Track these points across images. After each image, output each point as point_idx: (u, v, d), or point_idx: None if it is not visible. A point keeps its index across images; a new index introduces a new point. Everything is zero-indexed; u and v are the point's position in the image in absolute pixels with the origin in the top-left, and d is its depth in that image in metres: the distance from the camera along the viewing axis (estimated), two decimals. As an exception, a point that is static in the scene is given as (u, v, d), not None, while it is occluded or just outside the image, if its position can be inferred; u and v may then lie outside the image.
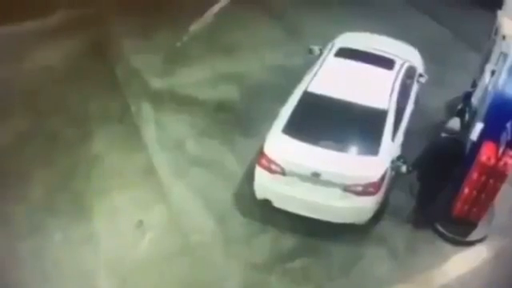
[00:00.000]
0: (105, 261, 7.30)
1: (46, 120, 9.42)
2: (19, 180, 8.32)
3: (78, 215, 7.83)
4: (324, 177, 7.22)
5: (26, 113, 9.58)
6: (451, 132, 7.40)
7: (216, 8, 12.62)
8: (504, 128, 7.06)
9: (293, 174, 7.38)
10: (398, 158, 7.60)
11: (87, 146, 8.95)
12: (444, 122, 7.58)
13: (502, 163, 6.96)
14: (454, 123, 7.47)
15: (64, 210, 7.85)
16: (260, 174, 7.62)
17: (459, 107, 9.12)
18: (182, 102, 10.09)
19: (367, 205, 7.42)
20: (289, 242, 7.69)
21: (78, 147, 8.94)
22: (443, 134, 7.45)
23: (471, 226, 7.84)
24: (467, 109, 8.84)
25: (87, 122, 9.43)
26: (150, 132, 9.36)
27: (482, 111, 7.65)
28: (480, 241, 7.86)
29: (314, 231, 7.73)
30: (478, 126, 7.27)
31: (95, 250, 7.43)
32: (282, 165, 7.38)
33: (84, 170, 8.53)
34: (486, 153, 7.05)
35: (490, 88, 7.81)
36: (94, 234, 7.61)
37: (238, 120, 9.56)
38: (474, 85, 9.11)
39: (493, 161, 7.00)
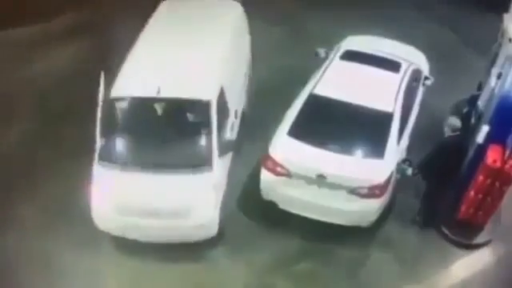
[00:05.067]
0: (111, 261, 7.33)
1: (54, 122, 9.43)
2: (27, 182, 8.37)
3: (85, 216, 7.85)
4: (329, 179, 7.23)
5: (33, 115, 9.62)
6: (453, 128, 7.44)
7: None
8: (510, 131, 7.05)
9: (298, 177, 7.39)
10: (404, 160, 7.60)
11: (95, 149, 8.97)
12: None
13: (508, 166, 6.95)
14: (454, 120, 7.56)
15: (72, 212, 7.89)
16: (265, 176, 7.64)
17: (465, 110, 9.12)
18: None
19: (372, 207, 7.42)
20: (294, 244, 7.71)
21: (86, 149, 8.95)
22: (446, 129, 7.49)
23: (477, 229, 7.82)
24: (473, 112, 8.84)
25: (95, 125, 9.45)
26: (155, 134, 9.37)
27: (488, 114, 7.64)
28: (485, 244, 7.85)
29: (319, 233, 7.72)
30: (484, 129, 7.26)
31: (101, 251, 7.48)
32: (288, 167, 7.39)
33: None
34: (492, 156, 7.04)
35: (496, 91, 7.80)
36: (100, 234, 7.63)
37: (244, 122, 9.56)
38: (480, 88, 9.10)
39: (499, 164, 6.99)
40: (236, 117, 8.37)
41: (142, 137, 7.43)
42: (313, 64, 9.07)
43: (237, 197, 8.27)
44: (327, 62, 8.77)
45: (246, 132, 8.81)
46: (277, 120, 7.99)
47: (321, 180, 7.26)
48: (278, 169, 7.45)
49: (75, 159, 8.75)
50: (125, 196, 7.04)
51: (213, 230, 7.26)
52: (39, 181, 8.41)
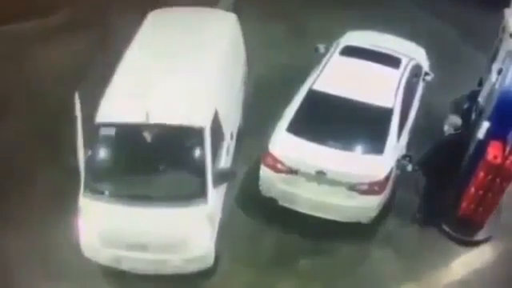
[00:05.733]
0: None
1: (51, 119, 9.36)
2: (25, 180, 8.32)
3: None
4: (329, 175, 7.19)
5: (31, 113, 9.55)
6: (455, 127, 7.40)
7: (220, 8, 12.54)
8: (511, 127, 7.01)
9: (298, 173, 7.35)
10: (404, 156, 7.56)
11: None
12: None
13: (508, 162, 6.92)
14: (455, 118, 7.52)
15: (70, 211, 7.82)
16: (265, 172, 7.60)
17: (465, 106, 9.08)
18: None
19: (372, 203, 7.38)
20: (294, 240, 7.67)
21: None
22: (446, 127, 7.45)
23: (477, 226, 7.79)
24: (473, 108, 8.80)
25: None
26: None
27: (489, 110, 7.60)
28: (485, 241, 7.83)
29: (319, 230, 7.68)
30: (485, 125, 7.22)
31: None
32: (287, 163, 7.35)
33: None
34: (493, 152, 7.00)
35: (496, 87, 7.76)
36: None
37: (243, 118, 9.52)
38: (481, 83, 9.06)
39: (499, 160, 6.95)
40: (232, 138, 7.92)
41: (130, 166, 6.90)
42: (312, 61, 9.01)
43: (235, 193, 8.21)
44: (327, 57, 8.72)
45: (245, 130, 8.78)
46: (276, 117, 7.94)
47: (320, 176, 7.22)
48: (278, 165, 7.41)
49: (73, 156, 8.72)
50: (113, 230, 6.59)
51: (208, 261, 6.86)
52: (36, 179, 8.35)
